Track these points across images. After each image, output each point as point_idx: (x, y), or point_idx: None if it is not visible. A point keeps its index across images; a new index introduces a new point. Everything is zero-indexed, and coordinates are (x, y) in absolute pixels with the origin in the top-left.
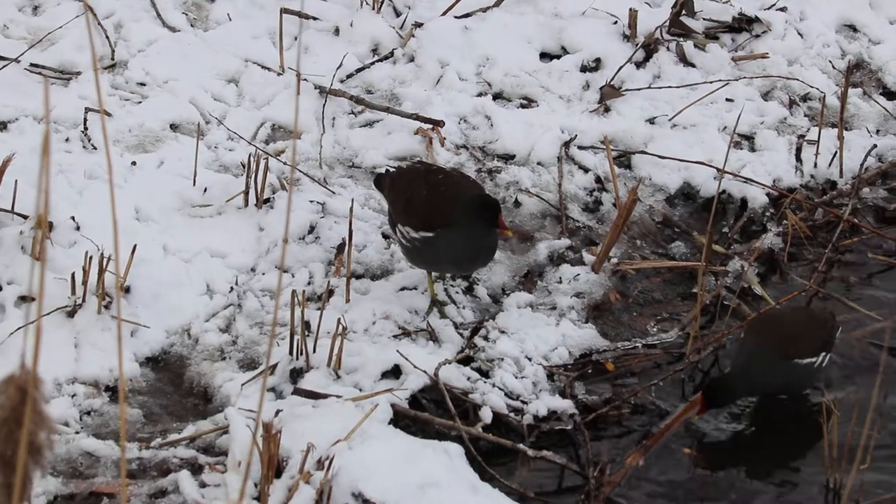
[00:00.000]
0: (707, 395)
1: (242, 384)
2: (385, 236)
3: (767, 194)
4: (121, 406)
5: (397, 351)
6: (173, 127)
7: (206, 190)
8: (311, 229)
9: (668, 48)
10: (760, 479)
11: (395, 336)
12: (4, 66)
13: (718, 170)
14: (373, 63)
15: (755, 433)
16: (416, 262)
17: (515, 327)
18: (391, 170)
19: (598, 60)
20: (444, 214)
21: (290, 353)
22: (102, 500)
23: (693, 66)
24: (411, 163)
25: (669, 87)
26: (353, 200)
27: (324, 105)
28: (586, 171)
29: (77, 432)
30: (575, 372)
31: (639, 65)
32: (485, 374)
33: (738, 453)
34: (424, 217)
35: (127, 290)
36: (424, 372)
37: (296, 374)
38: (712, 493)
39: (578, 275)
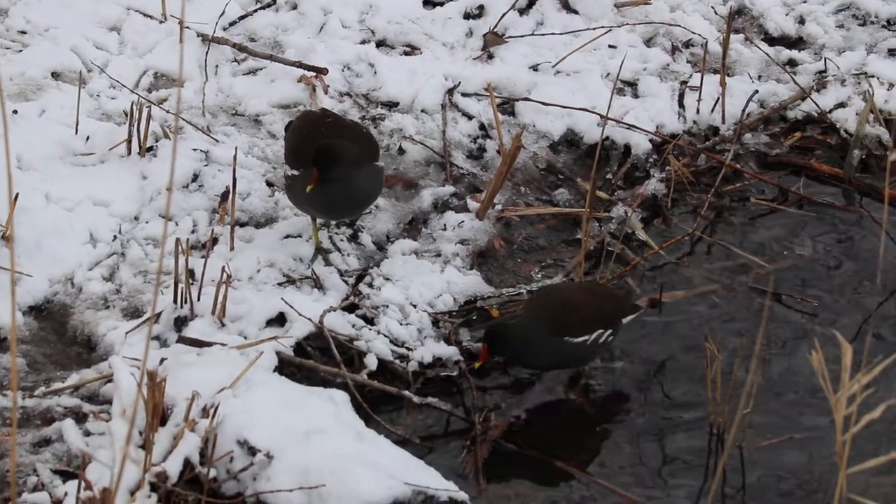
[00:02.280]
0: (491, 342)
1: (127, 333)
2: (269, 184)
3: (651, 140)
4: (12, 355)
5: (282, 299)
6: (55, 75)
7: (88, 138)
8: (195, 177)
9: None
10: (645, 425)
11: (279, 284)
12: None
13: (602, 116)
14: (255, 10)
15: (640, 379)
16: (291, 201)
17: (400, 274)
18: None
19: (481, 7)
20: (308, 155)
21: (175, 301)
22: None
23: (576, 12)
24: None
25: (552, 33)
26: (236, 148)
27: (206, 53)
28: (470, 118)
29: None
30: (460, 318)
31: (522, 12)
32: (370, 322)
33: (623, 400)
34: (295, 155)
35: (7, 238)
36: (309, 319)
37: (180, 323)
38: (597, 438)
39: (463, 222)
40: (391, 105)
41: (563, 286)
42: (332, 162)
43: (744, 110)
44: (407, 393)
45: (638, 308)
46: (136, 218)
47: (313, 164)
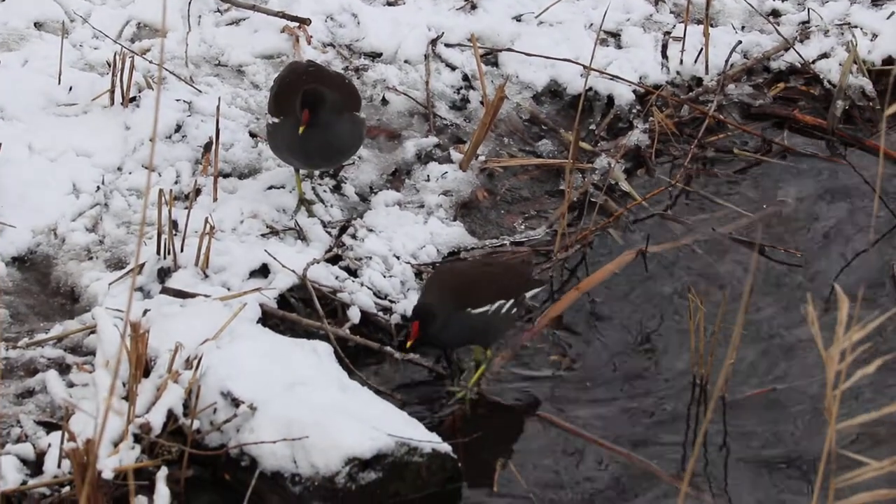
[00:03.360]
0: (421, 321)
1: (110, 284)
2: (252, 135)
3: (634, 91)
4: None
5: (265, 250)
6: (37, 25)
7: (71, 89)
8: (178, 128)
9: None
10: (629, 376)
11: (263, 235)
12: None
13: (585, 67)
14: None
15: (623, 331)
16: (272, 150)
17: (383, 226)
18: None
19: None
20: (289, 103)
21: (158, 252)
22: None
23: None
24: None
25: None
26: (219, 99)
27: (189, 3)
28: (453, 69)
29: None
30: None
31: None
32: (353, 273)
33: (606, 351)
34: (277, 103)
35: None
36: (293, 271)
37: (163, 274)
38: (579, 390)
39: (446, 173)
40: (374, 56)
41: (458, 263)
42: (319, 105)
43: (727, 61)
44: (388, 348)
45: (541, 283)
46: (120, 168)
47: (303, 107)
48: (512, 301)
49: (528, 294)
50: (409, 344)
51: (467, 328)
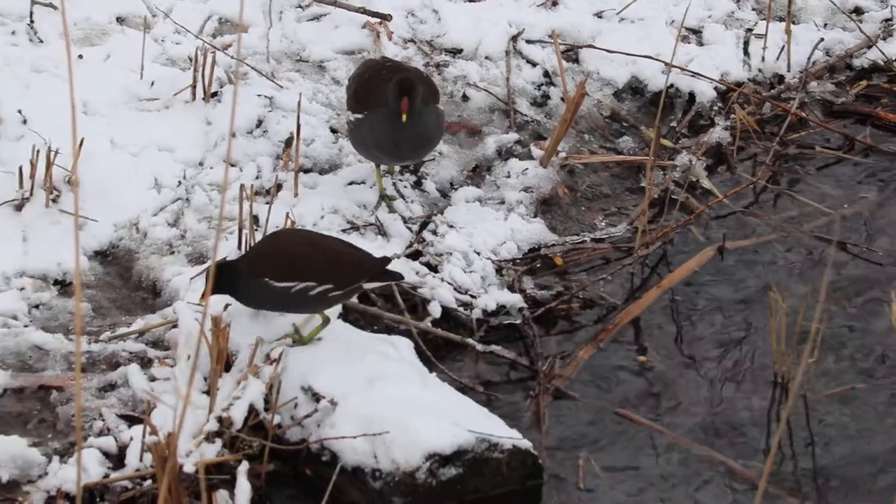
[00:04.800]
0: (217, 277)
1: (191, 278)
2: (333, 130)
3: (715, 88)
4: (76, 300)
5: None
6: (119, 20)
7: (153, 83)
8: (259, 123)
9: None
10: (709, 374)
11: (343, 230)
12: None
13: (666, 64)
14: None
15: (703, 328)
16: (355, 146)
17: (464, 221)
18: None
19: None
20: (373, 97)
21: (239, 247)
22: (51, 394)
23: None
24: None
25: None
26: (300, 94)
27: None
28: (534, 65)
29: (26, 326)
30: (523, 266)
31: None
32: (433, 269)
33: (686, 349)
34: (358, 99)
35: (73, 183)
36: None
37: None
38: (659, 388)
39: (527, 169)
40: (455, 52)
41: (299, 233)
42: (414, 94)
43: (809, 58)
44: (470, 341)
45: (394, 276)
46: (201, 163)
47: (401, 95)
48: (330, 286)
49: (368, 286)
50: (199, 300)
51: (265, 297)
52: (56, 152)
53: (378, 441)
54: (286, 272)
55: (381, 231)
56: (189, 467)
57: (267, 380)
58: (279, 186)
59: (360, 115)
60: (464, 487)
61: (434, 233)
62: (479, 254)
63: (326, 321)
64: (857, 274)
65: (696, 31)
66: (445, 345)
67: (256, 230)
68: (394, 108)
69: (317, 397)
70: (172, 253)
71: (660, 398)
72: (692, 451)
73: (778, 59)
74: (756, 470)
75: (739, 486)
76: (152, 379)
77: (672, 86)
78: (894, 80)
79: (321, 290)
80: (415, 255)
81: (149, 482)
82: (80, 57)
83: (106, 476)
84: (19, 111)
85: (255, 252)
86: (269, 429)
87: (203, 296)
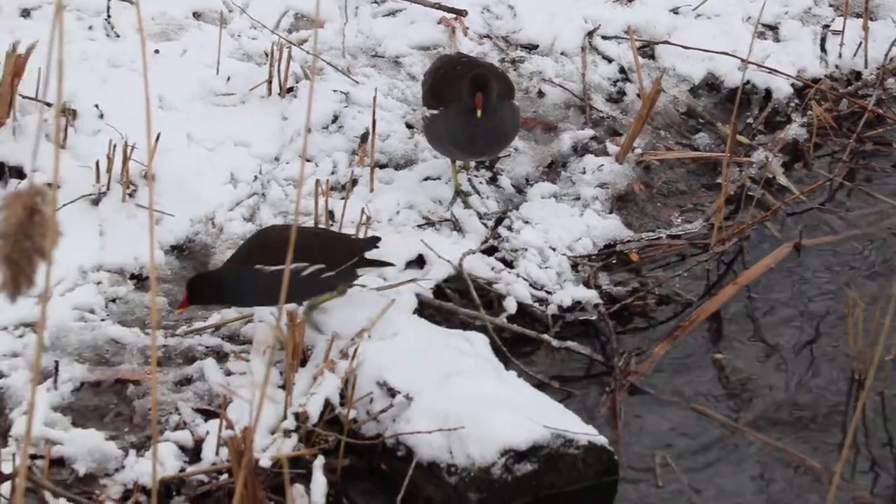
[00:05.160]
0: (190, 291)
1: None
2: (409, 126)
3: (792, 85)
4: (153, 294)
5: (421, 241)
6: (196, 15)
7: (229, 79)
8: (335, 119)
9: None
10: (785, 372)
11: (419, 226)
12: None
13: (743, 60)
14: None
15: (780, 326)
16: (430, 142)
17: (539, 217)
18: None
19: None
20: (448, 93)
21: None
22: (128, 387)
23: None
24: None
25: None
26: (376, 90)
27: None
28: (610, 61)
29: (102, 320)
30: (599, 262)
31: None
32: (509, 264)
33: (762, 349)
34: (433, 94)
35: (151, 178)
36: (449, 262)
37: None
38: (736, 384)
39: (602, 165)
40: (531, 47)
41: (285, 227)
42: (489, 90)
43: (887, 55)
44: (546, 336)
45: (385, 263)
46: (277, 158)
47: (475, 91)
48: (323, 266)
49: (361, 271)
50: (176, 311)
51: (259, 286)
52: (132, 147)
53: (453, 436)
54: (276, 257)
55: (457, 227)
56: (265, 461)
57: (342, 375)
58: (354, 182)
59: (435, 111)
60: (539, 483)
61: (509, 228)
62: (554, 249)
63: (343, 291)
64: None
65: (773, 28)
66: (520, 340)
67: (331, 225)
68: (469, 104)
69: (392, 392)
70: None
71: (736, 394)
72: (768, 447)
73: (855, 55)
74: (833, 467)
75: (815, 482)
76: (228, 373)
77: (748, 82)
78: None
79: (313, 271)
80: (490, 251)
81: (225, 476)
82: (157, 52)
83: (182, 470)
84: (96, 106)
85: (242, 248)
86: (345, 423)
87: (181, 305)
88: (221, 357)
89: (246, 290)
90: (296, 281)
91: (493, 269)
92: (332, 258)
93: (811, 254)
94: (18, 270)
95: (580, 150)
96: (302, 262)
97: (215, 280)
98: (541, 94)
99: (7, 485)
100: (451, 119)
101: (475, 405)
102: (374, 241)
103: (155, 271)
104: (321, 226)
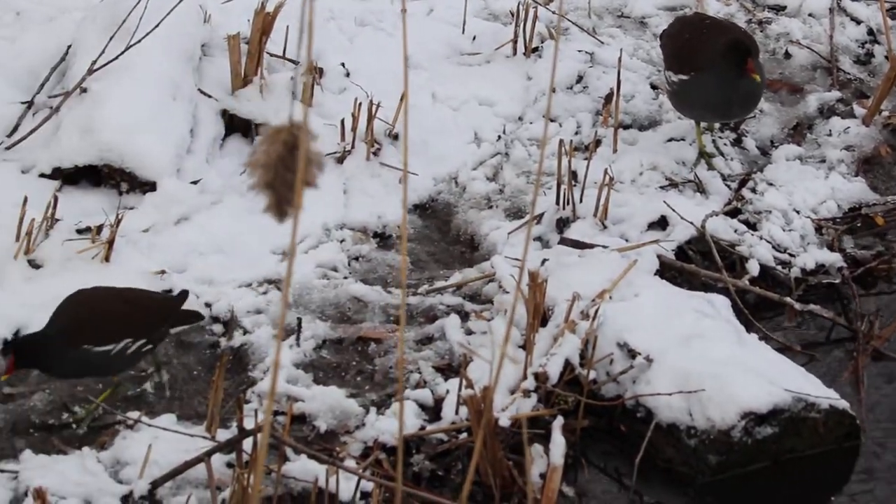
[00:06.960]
0: (16, 353)
1: (509, 233)
2: (653, 87)
3: None
4: (403, 253)
5: (664, 202)
6: None
7: (474, 38)
8: (579, 79)
9: None
10: None
11: (661, 187)
12: None
13: None
14: None
15: None
16: (678, 107)
17: (784, 180)
18: None
19: None
20: (700, 57)
21: (557, 202)
22: (369, 345)
23: None
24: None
25: None
26: (621, 50)
27: None
28: (858, 22)
29: (345, 277)
30: (843, 225)
31: None
32: (752, 227)
33: None
34: (682, 60)
35: (395, 136)
36: (691, 223)
37: (562, 224)
38: None
39: (849, 127)
40: (778, 8)
41: (97, 292)
42: (755, 54)
43: None
44: (789, 300)
45: (195, 317)
46: (521, 118)
47: (746, 56)
48: (144, 340)
49: (175, 330)
50: (2, 378)
51: (85, 364)
52: (378, 105)
53: (693, 399)
54: (105, 334)
55: (700, 188)
56: (504, 421)
57: (583, 335)
58: (598, 142)
59: (684, 76)
60: (779, 447)
61: (753, 190)
62: (798, 212)
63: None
64: None
65: None
66: (762, 303)
67: (574, 185)
68: (726, 69)
69: (632, 354)
70: (490, 207)
71: None
72: None
73: None
74: None
75: None
76: (469, 332)
77: None
78: None
79: (138, 346)
80: (733, 213)
81: (464, 435)
82: (404, 11)
83: (422, 428)
84: (342, 64)
85: (65, 319)
86: (585, 384)
87: (6, 371)
88: (463, 316)
89: (71, 368)
90: (121, 357)
91: (735, 231)
92: (152, 325)
93: None
94: (281, 196)
95: (826, 112)
96: (128, 339)
97: (40, 352)
98: (787, 55)
99: (249, 440)
100: (707, 84)
101: (716, 367)
102: (183, 297)
103: (405, 230)
104: (157, 295)
